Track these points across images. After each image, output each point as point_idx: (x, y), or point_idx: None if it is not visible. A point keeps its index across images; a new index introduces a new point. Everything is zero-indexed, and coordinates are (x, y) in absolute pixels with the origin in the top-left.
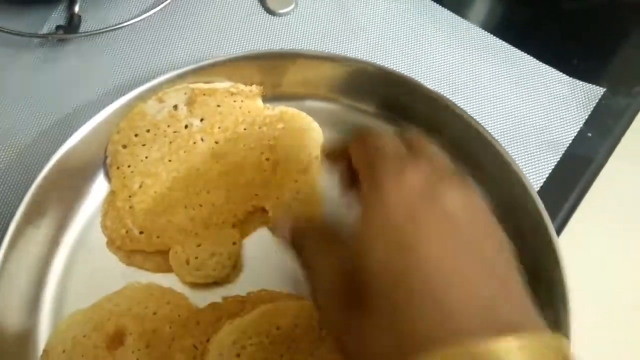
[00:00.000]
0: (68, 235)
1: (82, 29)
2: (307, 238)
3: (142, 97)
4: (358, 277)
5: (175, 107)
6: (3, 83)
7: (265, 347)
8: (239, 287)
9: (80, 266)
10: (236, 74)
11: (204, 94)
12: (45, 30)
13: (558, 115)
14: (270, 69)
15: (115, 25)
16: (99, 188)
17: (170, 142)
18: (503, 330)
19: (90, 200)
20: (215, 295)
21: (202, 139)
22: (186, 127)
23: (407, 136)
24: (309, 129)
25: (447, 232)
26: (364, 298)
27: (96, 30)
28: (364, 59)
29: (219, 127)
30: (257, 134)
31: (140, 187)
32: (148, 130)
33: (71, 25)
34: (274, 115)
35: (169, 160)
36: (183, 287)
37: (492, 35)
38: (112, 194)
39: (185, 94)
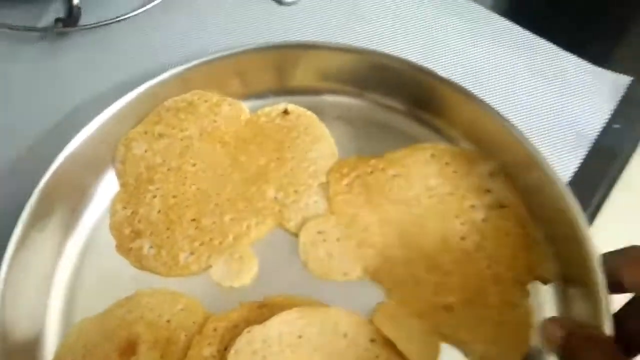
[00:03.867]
0: (75, 239)
1: (82, 21)
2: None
3: (148, 92)
4: None
5: None
6: (1, 79)
7: (287, 357)
8: (255, 291)
9: (89, 271)
10: (247, 66)
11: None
12: (43, 23)
13: (583, 106)
14: (285, 61)
15: (117, 17)
16: (107, 187)
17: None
18: None
19: (98, 200)
20: (230, 300)
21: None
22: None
23: None
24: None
25: None
26: None
27: (97, 22)
28: (391, 52)
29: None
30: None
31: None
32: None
33: (71, 17)
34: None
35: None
36: (197, 292)
37: (509, 21)
38: (121, 193)
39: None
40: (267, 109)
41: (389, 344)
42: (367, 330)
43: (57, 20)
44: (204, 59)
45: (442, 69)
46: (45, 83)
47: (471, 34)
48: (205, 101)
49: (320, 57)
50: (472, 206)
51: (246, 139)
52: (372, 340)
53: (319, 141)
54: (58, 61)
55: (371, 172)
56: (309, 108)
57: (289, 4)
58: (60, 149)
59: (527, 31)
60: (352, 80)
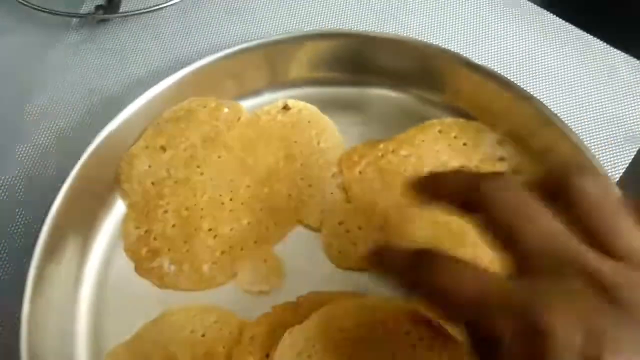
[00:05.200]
0: (91, 267)
1: (122, 8)
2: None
3: (143, 106)
4: None
5: None
6: (41, 64)
7: (331, 353)
8: (286, 293)
9: (111, 297)
10: (241, 66)
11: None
12: (84, 9)
13: (634, 104)
14: (279, 56)
15: (158, 5)
16: (115, 210)
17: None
18: None
19: (108, 225)
20: (262, 306)
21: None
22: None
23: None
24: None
25: None
26: None
27: (137, 10)
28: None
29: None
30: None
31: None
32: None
33: (111, 4)
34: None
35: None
36: (227, 302)
37: (555, 15)
38: (131, 213)
39: None
40: (266, 107)
41: (431, 324)
42: (407, 313)
43: (98, 7)
44: (197, 64)
45: (488, 63)
46: (83, 69)
47: (514, 28)
48: (204, 107)
49: (313, 47)
50: None
51: (251, 140)
52: (414, 323)
53: (324, 132)
54: (97, 48)
55: (382, 156)
56: (308, 100)
57: None
58: (93, 137)
59: (576, 28)
60: (346, 66)
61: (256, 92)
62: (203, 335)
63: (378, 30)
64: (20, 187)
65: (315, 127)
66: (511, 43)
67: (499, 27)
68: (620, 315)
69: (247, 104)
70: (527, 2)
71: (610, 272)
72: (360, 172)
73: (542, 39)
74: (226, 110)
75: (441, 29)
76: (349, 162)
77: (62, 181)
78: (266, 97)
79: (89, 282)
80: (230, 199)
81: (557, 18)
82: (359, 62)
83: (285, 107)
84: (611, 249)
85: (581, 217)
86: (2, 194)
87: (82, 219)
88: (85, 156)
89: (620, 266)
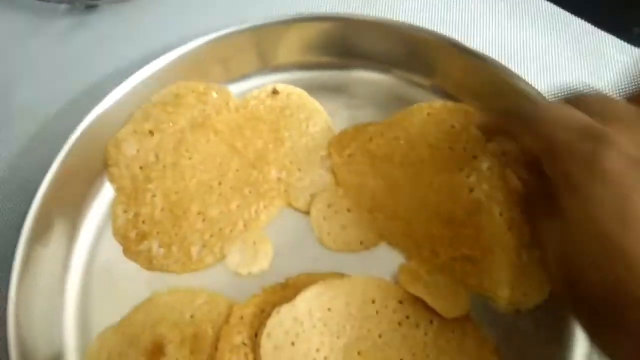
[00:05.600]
0: (79, 250)
1: None
2: None
3: (131, 90)
4: None
5: None
6: (28, 52)
7: (320, 331)
8: (275, 274)
9: (99, 280)
10: (229, 50)
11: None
12: None
13: (623, 86)
14: (266, 40)
15: None
16: (103, 194)
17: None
18: None
19: (96, 208)
20: (251, 287)
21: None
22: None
23: (587, 98)
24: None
25: None
26: None
27: None
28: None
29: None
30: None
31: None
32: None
33: None
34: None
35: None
36: (216, 284)
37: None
38: (119, 197)
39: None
40: (255, 92)
41: (418, 303)
42: (394, 292)
43: None
44: (184, 47)
45: (477, 47)
46: (69, 57)
47: (507, 12)
48: (192, 91)
49: (301, 30)
50: (475, 157)
51: (239, 124)
52: (400, 302)
53: (313, 116)
54: (84, 35)
55: (371, 139)
56: (297, 84)
57: None
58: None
59: (567, 12)
60: (335, 50)
61: (244, 77)
62: (192, 317)
63: (366, 14)
64: (8, 171)
65: (304, 111)
66: (500, 26)
67: (488, 10)
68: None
69: (235, 88)
70: None
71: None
72: (349, 155)
73: (531, 22)
74: (214, 94)
75: (430, 12)
76: (338, 145)
77: (50, 165)
78: (254, 82)
79: (77, 265)
80: (219, 183)
81: (547, 2)
82: (348, 45)
83: (274, 92)
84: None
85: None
86: None
87: (70, 202)
88: (72, 139)
89: None
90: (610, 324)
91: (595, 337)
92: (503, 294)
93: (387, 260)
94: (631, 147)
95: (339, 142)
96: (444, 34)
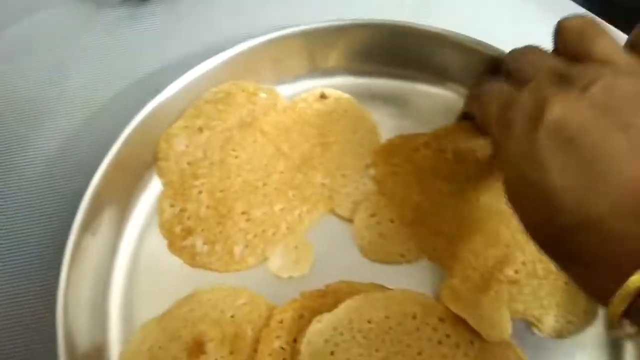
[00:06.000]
0: (126, 241)
1: None
2: None
3: (185, 86)
4: None
5: None
6: (81, 42)
7: (359, 343)
8: (315, 280)
9: (144, 273)
10: (281, 52)
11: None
12: None
13: None
14: (318, 44)
15: None
16: (151, 187)
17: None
18: None
19: (144, 201)
20: (290, 291)
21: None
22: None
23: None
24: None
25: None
26: None
27: None
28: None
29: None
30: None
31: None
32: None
33: None
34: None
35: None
36: (256, 285)
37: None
38: (167, 191)
39: None
40: (304, 95)
41: (459, 322)
42: (435, 309)
43: None
44: (238, 47)
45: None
46: (121, 48)
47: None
48: (243, 91)
49: (354, 36)
50: None
51: (287, 126)
52: (441, 320)
53: (360, 123)
54: (136, 27)
55: (417, 150)
56: (345, 90)
57: None
58: (128, 117)
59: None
60: (387, 58)
61: (294, 79)
62: (232, 316)
63: (421, 23)
64: (60, 161)
65: (351, 117)
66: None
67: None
68: (564, 84)
69: (284, 89)
70: None
71: (570, 68)
72: (394, 165)
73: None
74: (263, 95)
75: (485, 25)
76: (384, 154)
77: (102, 157)
78: (304, 84)
79: (124, 255)
80: (264, 184)
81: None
82: (400, 54)
83: (323, 96)
84: (588, 57)
85: (567, 42)
86: (42, 168)
87: (120, 194)
88: (126, 132)
89: (583, 64)
90: (563, 259)
91: (563, 271)
92: (547, 321)
93: (427, 276)
94: (530, 102)
95: (385, 151)
96: (501, 48)
